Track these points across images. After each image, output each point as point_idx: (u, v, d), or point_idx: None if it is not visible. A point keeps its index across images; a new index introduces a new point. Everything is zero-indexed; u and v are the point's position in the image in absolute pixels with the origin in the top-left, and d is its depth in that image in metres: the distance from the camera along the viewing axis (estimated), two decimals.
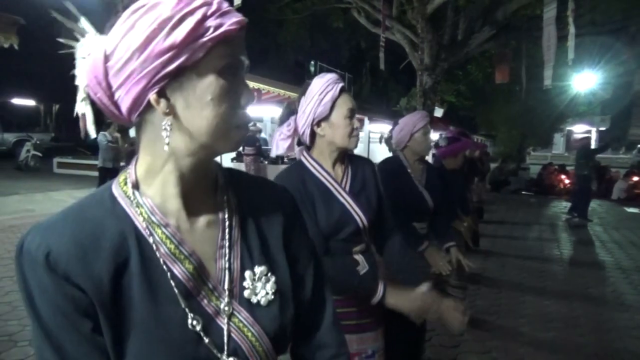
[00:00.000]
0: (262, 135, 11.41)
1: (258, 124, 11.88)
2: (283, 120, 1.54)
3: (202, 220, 0.68)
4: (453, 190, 3.08)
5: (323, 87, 1.43)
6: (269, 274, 0.70)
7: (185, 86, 0.61)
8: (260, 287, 0.69)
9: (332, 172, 1.49)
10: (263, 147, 10.84)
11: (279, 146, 1.53)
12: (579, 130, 34.65)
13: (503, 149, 19.67)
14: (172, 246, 0.64)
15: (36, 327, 0.58)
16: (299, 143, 1.55)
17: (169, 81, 0.60)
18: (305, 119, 1.46)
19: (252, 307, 0.68)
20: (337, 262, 1.42)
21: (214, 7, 0.60)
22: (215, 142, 0.64)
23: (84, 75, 0.61)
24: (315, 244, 0.84)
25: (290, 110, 1.53)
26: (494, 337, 3.46)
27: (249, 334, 0.66)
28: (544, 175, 15.04)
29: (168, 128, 0.61)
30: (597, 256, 6.19)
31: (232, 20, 0.61)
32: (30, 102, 25.93)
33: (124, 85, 0.59)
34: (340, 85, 1.45)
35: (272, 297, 0.69)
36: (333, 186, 1.46)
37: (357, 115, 1.48)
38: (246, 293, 0.68)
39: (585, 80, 17.63)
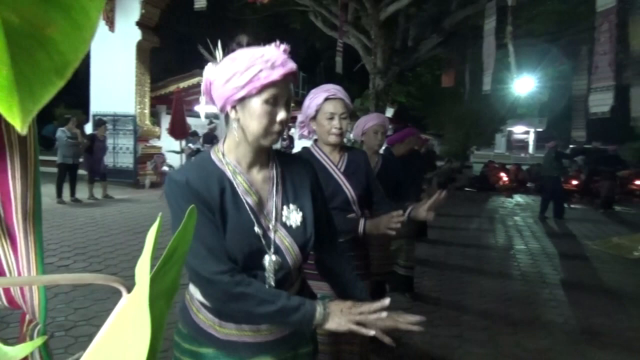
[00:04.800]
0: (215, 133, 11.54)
1: (215, 121, 12.07)
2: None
3: (261, 176, 1.20)
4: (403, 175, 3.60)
5: (312, 94, 1.92)
6: (298, 210, 1.20)
7: (246, 106, 1.10)
8: (292, 217, 1.18)
9: (330, 156, 1.99)
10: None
11: (297, 134, 2.06)
12: (518, 131, 36.81)
13: (450, 148, 20.72)
14: (247, 186, 1.15)
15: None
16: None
17: (238, 102, 1.09)
18: (303, 117, 1.97)
19: (287, 228, 1.19)
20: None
21: (268, 63, 1.05)
22: (258, 138, 1.12)
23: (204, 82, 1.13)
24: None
25: None
26: (437, 310, 4.03)
27: (285, 241, 1.16)
28: (486, 173, 16.10)
29: (236, 126, 1.12)
30: (527, 244, 6.98)
31: (278, 73, 1.06)
32: None
33: (216, 98, 1.11)
34: (326, 94, 1.89)
35: (299, 223, 1.19)
36: (330, 167, 1.98)
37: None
38: (284, 219, 1.17)
39: (525, 84, 18.91)
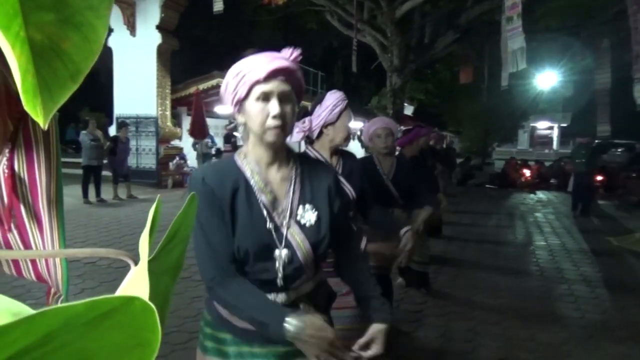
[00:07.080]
0: (236, 133, 11.78)
1: (234, 122, 12.25)
2: (298, 118, 2.06)
3: (279, 175, 1.26)
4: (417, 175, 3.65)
5: (335, 101, 2.00)
6: (313, 210, 1.26)
7: (244, 109, 1.20)
8: (307, 216, 1.25)
9: (329, 159, 2.06)
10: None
11: (294, 136, 2.05)
12: (542, 126, 36.12)
13: (469, 145, 20.56)
14: (262, 185, 1.23)
15: (195, 222, 1.12)
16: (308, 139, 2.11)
17: (239, 107, 1.20)
18: (319, 121, 2.02)
19: (300, 226, 1.25)
20: None
21: (252, 65, 1.15)
22: (260, 136, 1.19)
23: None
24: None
25: (304, 112, 2.08)
26: (451, 304, 4.07)
27: (297, 238, 1.23)
28: (507, 170, 15.91)
29: (242, 128, 1.23)
30: (547, 240, 6.93)
31: (262, 70, 1.14)
32: None
33: (225, 102, 1.22)
34: (346, 102, 2.02)
35: (313, 222, 1.25)
36: None
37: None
38: (298, 217, 1.25)
39: (547, 79, 18.59)
